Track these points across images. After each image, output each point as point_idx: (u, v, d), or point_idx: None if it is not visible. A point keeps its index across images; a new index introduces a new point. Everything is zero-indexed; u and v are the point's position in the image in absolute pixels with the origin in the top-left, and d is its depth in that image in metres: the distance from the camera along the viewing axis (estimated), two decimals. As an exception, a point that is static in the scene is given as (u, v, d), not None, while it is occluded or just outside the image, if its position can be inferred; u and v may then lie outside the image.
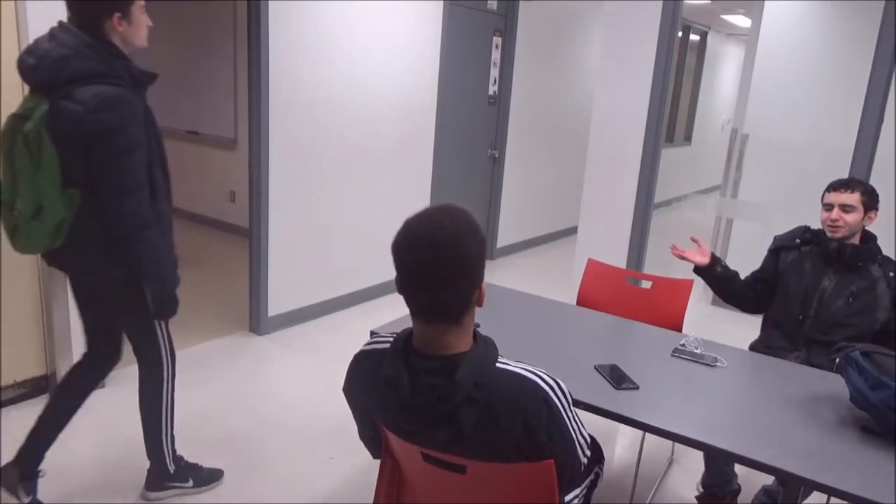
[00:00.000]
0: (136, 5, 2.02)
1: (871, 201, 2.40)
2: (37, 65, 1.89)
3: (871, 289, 2.38)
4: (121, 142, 1.92)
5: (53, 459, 2.55)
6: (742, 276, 2.69)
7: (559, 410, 1.32)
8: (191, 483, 2.41)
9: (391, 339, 1.36)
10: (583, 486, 1.63)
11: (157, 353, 2.23)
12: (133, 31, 2.04)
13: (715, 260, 2.65)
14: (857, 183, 2.41)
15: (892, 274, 2.38)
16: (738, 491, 2.51)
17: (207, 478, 2.46)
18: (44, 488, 2.38)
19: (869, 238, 2.46)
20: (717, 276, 2.64)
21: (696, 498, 2.56)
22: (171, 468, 2.35)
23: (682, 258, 2.64)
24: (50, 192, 1.87)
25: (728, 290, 2.65)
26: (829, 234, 2.43)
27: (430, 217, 1.26)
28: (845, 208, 2.38)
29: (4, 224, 1.98)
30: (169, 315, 2.16)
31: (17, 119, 1.89)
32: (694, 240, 2.70)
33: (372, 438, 1.54)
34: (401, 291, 1.28)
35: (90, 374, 2.34)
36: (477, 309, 1.34)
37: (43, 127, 1.85)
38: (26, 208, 1.89)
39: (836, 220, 2.38)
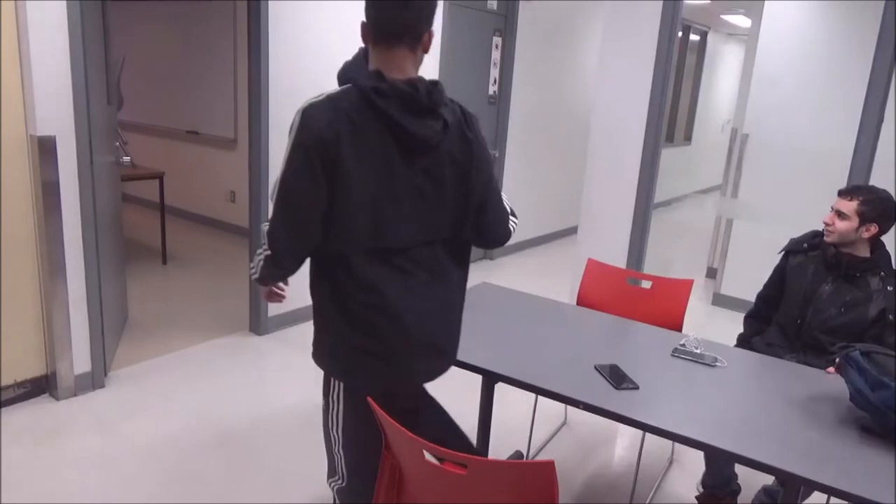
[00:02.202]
0: None
1: (870, 212, 2.31)
2: None
3: (865, 301, 2.35)
4: None
5: (54, 458, 2.55)
6: (755, 296, 2.71)
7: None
8: None
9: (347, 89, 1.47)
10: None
11: None
12: None
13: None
14: (863, 192, 2.36)
15: (890, 288, 2.33)
16: (738, 491, 2.51)
17: None
18: (44, 488, 2.38)
19: (877, 249, 2.41)
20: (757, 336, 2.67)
21: (697, 498, 2.56)
22: None
23: None
24: None
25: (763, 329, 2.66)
26: (825, 238, 2.43)
27: None
28: (840, 214, 2.36)
29: None
30: None
31: None
32: None
33: (301, 238, 1.49)
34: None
35: None
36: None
37: None
38: None
39: (829, 224, 2.39)
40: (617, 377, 1.92)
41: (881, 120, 3.76)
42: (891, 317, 2.31)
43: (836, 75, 4.17)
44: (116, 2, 3.73)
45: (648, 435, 2.08)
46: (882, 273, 2.37)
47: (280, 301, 1.77)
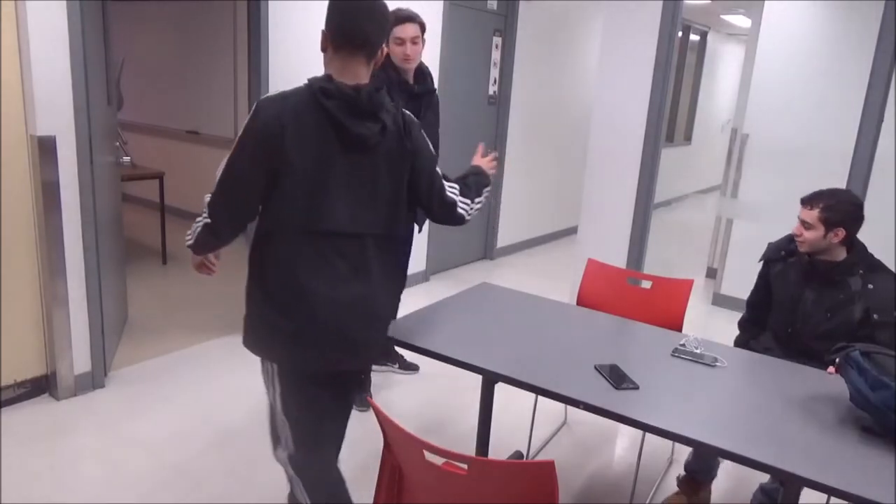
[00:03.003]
0: None
1: (833, 218, 2.28)
2: None
3: (848, 303, 2.32)
4: None
5: (54, 458, 2.55)
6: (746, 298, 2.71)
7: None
8: None
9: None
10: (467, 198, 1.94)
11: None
12: None
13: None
14: (823, 198, 2.31)
15: (870, 286, 2.30)
16: (714, 476, 2.54)
17: None
18: (44, 488, 2.38)
19: (852, 248, 2.37)
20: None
21: (677, 479, 2.56)
22: None
23: None
24: None
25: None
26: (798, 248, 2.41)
27: None
28: (804, 224, 2.33)
29: None
30: None
31: None
32: None
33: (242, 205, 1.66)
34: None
35: None
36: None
37: None
38: None
39: (798, 235, 2.37)
40: (617, 377, 1.92)
41: (881, 120, 3.76)
42: (875, 316, 2.28)
43: (836, 75, 4.17)
44: (116, 2, 3.73)
45: (648, 435, 2.08)
46: (861, 271, 2.33)
47: (210, 274, 1.90)
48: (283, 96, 1.60)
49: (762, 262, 2.61)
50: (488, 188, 2.09)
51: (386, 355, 3.49)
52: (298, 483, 1.81)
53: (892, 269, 2.40)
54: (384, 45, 1.67)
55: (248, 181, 1.61)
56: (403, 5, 2.79)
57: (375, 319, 1.77)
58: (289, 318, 1.65)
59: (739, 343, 2.67)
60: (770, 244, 2.61)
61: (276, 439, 1.83)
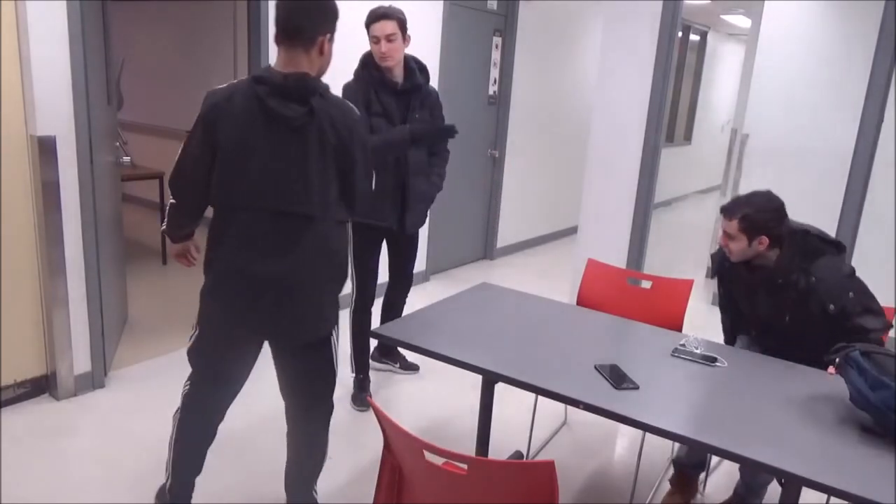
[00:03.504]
0: None
1: (752, 227, 2.22)
2: None
3: (802, 303, 2.25)
4: None
5: (54, 458, 2.55)
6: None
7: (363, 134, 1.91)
8: None
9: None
10: None
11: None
12: None
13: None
14: (741, 208, 2.25)
15: (814, 279, 2.22)
16: (702, 469, 2.54)
17: None
18: (44, 488, 2.38)
19: (784, 248, 2.28)
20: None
21: (670, 480, 2.55)
22: None
23: None
24: None
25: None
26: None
27: None
28: (728, 236, 2.28)
29: None
30: None
31: None
32: None
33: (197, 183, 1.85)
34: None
35: None
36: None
37: None
38: None
39: (725, 247, 2.31)
40: (617, 377, 1.92)
41: (881, 120, 3.76)
42: (831, 306, 2.20)
43: (836, 75, 4.17)
44: (116, 2, 3.73)
45: (648, 435, 2.08)
46: (801, 266, 2.25)
47: (188, 265, 2.12)
48: (230, 85, 1.81)
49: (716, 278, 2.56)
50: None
51: (387, 354, 3.49)
52: (175, 421, 2.10)
53: (834, 243, 2.31)
54: (325, 38, 1.81)
55: (199, 160, 1.80)
56: (402, 5, 2.78)
57: (295, 298, 1.87)
58: (214, 286, 1.90)
59: (726, 343, 2.65)
60: (712, 255, 2.55)
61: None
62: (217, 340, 1.98)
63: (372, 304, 3.13)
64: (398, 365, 3.48)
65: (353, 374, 3.16)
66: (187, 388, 2.08)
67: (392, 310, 3.24)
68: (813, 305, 2.24)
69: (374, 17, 2.72)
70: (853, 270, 2.30)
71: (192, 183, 1.85)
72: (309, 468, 2.20)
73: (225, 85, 1.82)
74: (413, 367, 3.50)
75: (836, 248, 2.31)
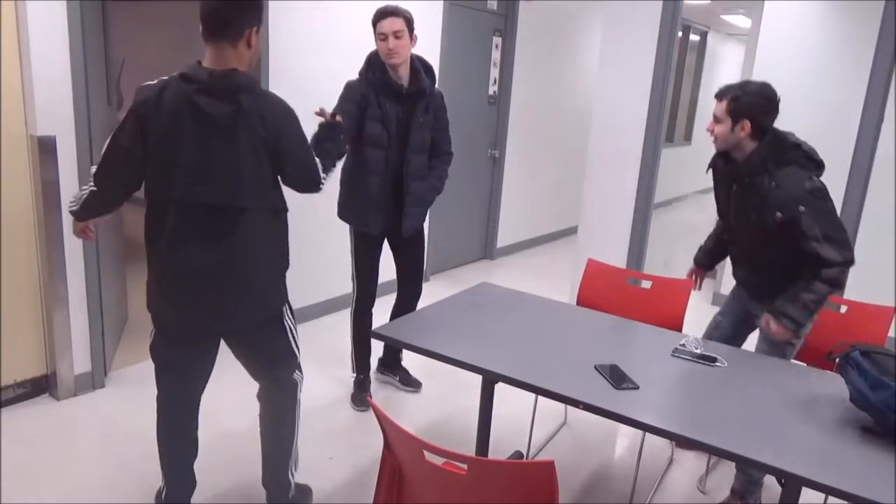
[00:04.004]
0: None
1: (738, 108, 2.19)
2: None
3: (762, 207, 2.21)
4: None
5: (54, 458, 2.55)
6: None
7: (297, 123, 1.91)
8: None
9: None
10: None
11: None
12: None
13: (700, 263, 2.80)
14: (732, 90, 2.23)
15: (774, 184, 2.17)
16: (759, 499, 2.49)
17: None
18: (45, 488, 2.38)
19: (761, 143, 2.24)
20: (713, 261, 2.79)
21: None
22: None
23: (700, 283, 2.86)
24: None
25: (724, 249, 2.70)
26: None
27: None
28: (715, 119, 2.26)
29: None
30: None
31: None
32: (691, 276, 2.83)
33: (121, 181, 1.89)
34: None
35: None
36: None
37: None
38: None
39: (711, 132, 2.29)
40: (617, 377, 1.92)
41: (881, 120, 3.76)
42: (778, 214, 2.17)
43: (836, 75, 4.17)
44: (116, 2, 3.73)
45: (648, 435, 2.08)
46: (770, 169, 2.21)
47: (90, 238, 2.10)
48: (161, 81, 1.82)
49: (710, 172, 2.53)
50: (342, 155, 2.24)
51: (388, 366, 3.39)
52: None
53: (816, 161, 2.29)
54: (252, 31, 1.81)
55: (127, 152, 1.82)
56: (404, 5, 2.78)
57: (236, 286, 1.91)
58: (157, 283, 1.92)
59: (702, 248, 2.78)
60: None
61: None
62: (168, 334, 2.01)
63: (372, 305, 3.12)
64: (398, 378, 3.35)
65: (354, 375, 3.15)
66: (157, 390, 2.12)
67: (399, 313, 3.15)
68: (768, 211, 2.20)
69: (382, 14, 2.71)
70: (821, 192, 2.20)
71: (118, 174, 1.87)
72: (279, 447, 2.25)
73: (156, 81, 1.83)
74: (414, 384, 3.33)
75: (817, 166, 2.27)
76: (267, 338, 2.08)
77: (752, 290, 2.49)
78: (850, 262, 2.17)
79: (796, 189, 2.16)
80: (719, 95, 2.26)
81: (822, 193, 2.20)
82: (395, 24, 2.69)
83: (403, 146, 2.83)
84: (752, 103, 2.21)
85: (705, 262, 2.79)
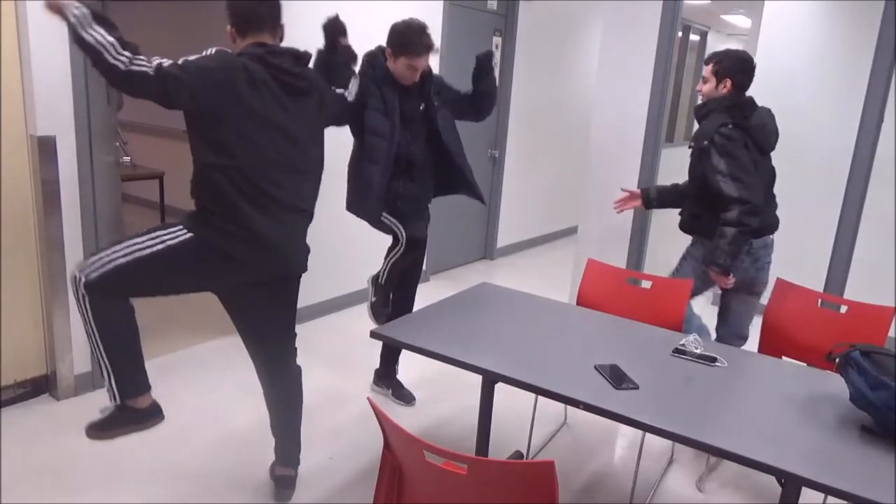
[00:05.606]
0: None
1: (723, 69, 2.64)
2: None
3: (694, 145, 2.71)
4: None
5: (54, 457, 2.55)
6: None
7: None
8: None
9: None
10: None
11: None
12: None
13: (646, 193, 3.08)
14: (720, 54, 2.68)
15: (706, 143, 2.59)
16: None
17: None
18: (44, 488, 2.38)
19: (726, 97, 2.67)
20: (661, 201, 3.03)
21: None
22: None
23: (625, 209, 3.20)
24: None
25: (681, 200, 2.91)
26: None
27: None
28: (704, 80, 2.73)
29: None
30: None
31: None
32: (624, 190, 3.19)
33: None
34: None
35: None
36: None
37: None
38: None
39: (700, 91, 2.76)
40: (617, 377, 1.92)
41: (881, 120, 3.76)
42: (690, 144, 2.72)
43: (836, 75, 4.17)
44: (116, 2, 3.73)
45: (648, 435, 2.08)
46: (712, 133, 2.63)
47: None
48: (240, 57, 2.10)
49: None
50: None
51: (382, 377, 3.29)
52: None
53: (741, 118, 2.63)
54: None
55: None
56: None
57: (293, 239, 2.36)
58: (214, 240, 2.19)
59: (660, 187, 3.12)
60: None
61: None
62: (195, 271, 2.23)
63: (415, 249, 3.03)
64: (391, 392, 3.26)
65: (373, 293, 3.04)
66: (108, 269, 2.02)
67: (396, 311, 3.04)
68: (693, 149, 2.70)
69: (422, 48, 2.73)
70: (731, 136, 2.56)
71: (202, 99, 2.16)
72: (296, 420, 2.43)
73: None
74: (406, 399, 3.22)
75: (744, 122, 2.63)
76: (286, 292, 2.29)
77: (685, 228, 2.84)
78: (746, 201, 2.49)
79: (710, 127, 2.61)
80: (707, 60, 2.73)
81: (732, 138, 2.57)
82: (427, 60, 2.77)
83: (420, 136, 2.93)
84: (730, 64, 2.66)
85: (652, 196, 3.06)
